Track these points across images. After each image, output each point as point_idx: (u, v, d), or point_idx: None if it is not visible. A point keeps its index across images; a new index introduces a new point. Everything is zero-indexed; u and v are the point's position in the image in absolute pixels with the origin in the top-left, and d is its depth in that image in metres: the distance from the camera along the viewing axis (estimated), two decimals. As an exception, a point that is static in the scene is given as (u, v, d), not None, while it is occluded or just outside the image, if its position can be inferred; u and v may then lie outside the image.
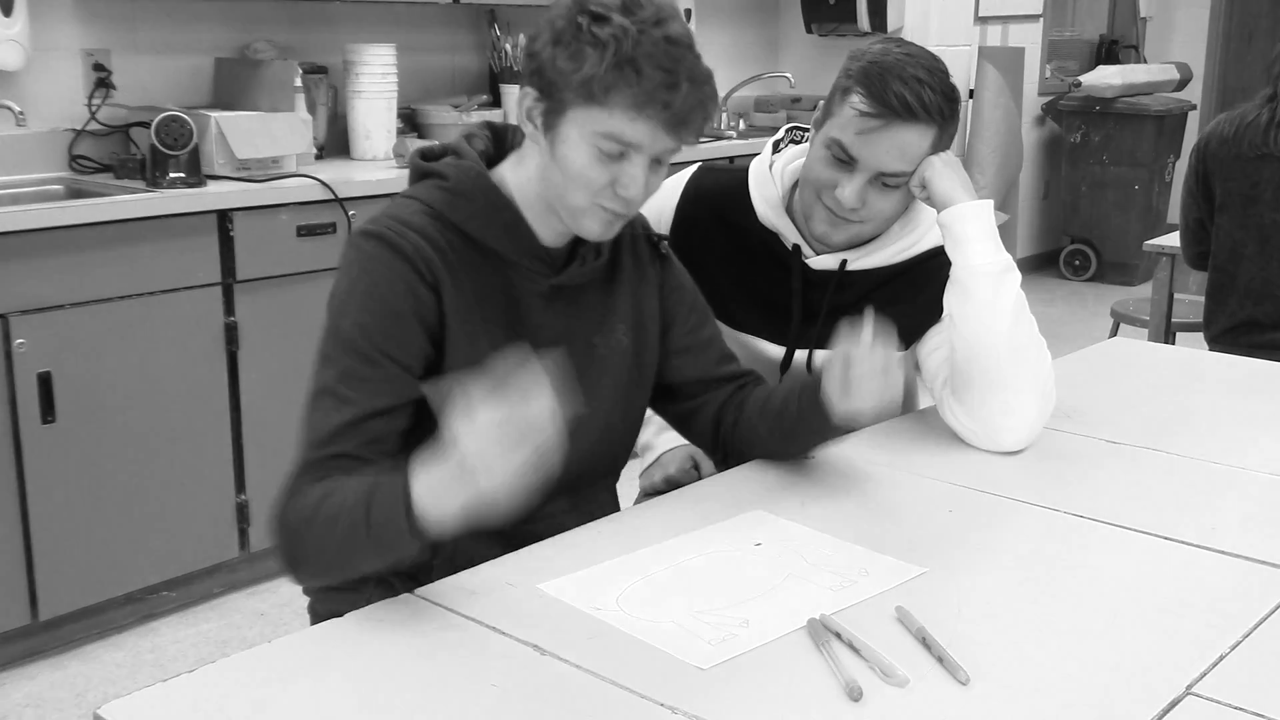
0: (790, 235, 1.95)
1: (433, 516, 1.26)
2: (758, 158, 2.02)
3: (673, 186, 2.04)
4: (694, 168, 2.08)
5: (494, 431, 1.17)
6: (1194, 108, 7.30)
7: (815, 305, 1.95)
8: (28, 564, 2.83)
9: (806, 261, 1.94)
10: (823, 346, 1.96)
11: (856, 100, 1.79)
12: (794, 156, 2.00)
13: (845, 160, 1.81)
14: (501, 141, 1.62)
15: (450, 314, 1.48)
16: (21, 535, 2.81)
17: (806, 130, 1.99)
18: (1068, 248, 7.17)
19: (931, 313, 1.90)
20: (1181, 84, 7.34)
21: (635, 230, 1.70)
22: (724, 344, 1.80)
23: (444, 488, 1.24)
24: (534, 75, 1.47)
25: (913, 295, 1.93)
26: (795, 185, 1.96)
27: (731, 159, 4.16)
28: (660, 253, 1.73)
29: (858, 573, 1.41)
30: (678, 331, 1.73)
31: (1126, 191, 6.89)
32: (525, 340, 1.53)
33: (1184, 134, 7.09)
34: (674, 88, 1.41)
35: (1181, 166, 6.77)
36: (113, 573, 2.98)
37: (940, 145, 1.84)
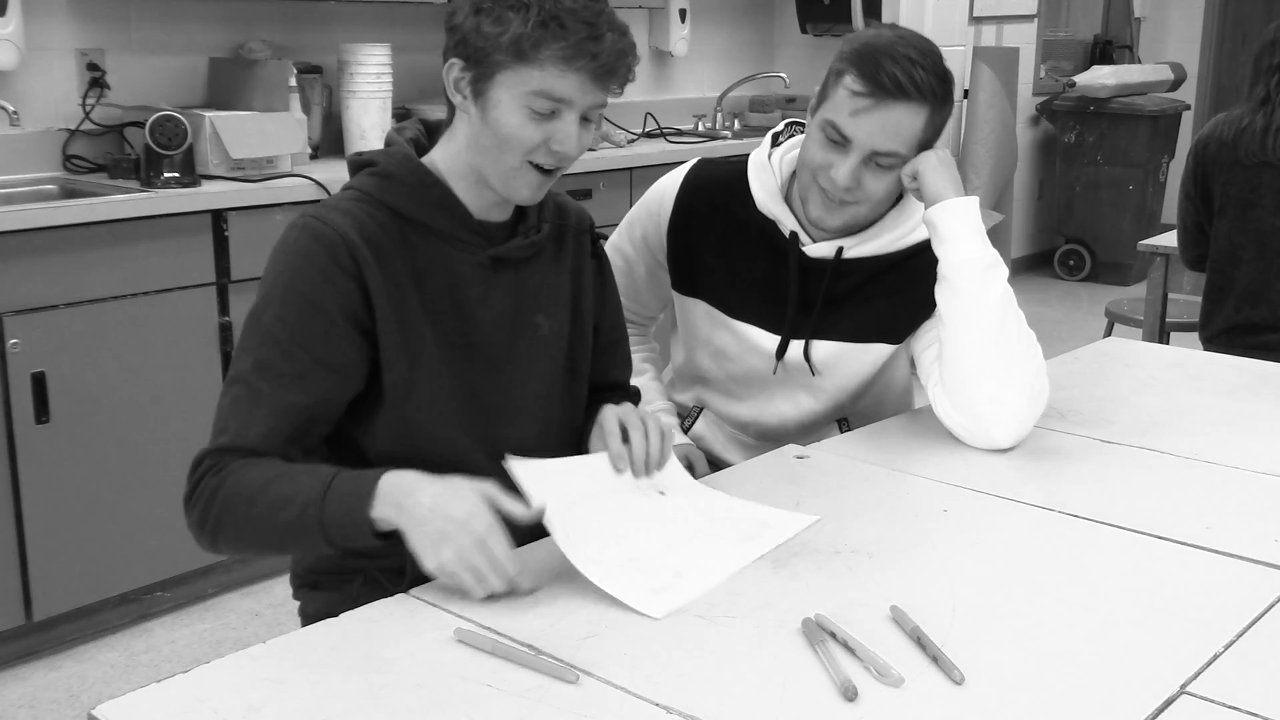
0: (788, 222, 1.95)
1: (386, 518, 1.36)
2: (757, 149, 2.02)
3: (673, 179, 2.06)
4: (693, 161, 2.09)
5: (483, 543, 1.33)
6: (1188, 108, 7.31)
7: (812, 294, 1.96)
8: (22, 564, 2.83)
9: (803, 249, 1.94)
10: (818, 336, 1.96)
11: (849, 81, 1.80)
12: (792, 147, 2.00)
13: (839, 141, 1.82)
14: (435, 134, 1.65)
15: (376, 297, 1.50)
16: (15, 536, 2.81)
17: (805, 124, 1.99)
18: (1062, 248, 7.17)
19: (925, 306, 1.91)
20: (1176, 84, 7.35)
21: (581, 224, 1.73)
22: (626, 354, 1.83)
23: (409, 510, 1.36)
24: (459, 46, 1.51)
25: (908, 288, 1.94)
26: (794, 175, 1.97)
27: (727, 159, 4.16)
28: (596, 250, 1.75)
29: (758, 526, 1.48)
30: (601, 329, 1.75)
31: (1121, 191, 6.90)
32: (469, 314, 1.58)
33: (1178, 134, 7.10)
34: (599, 39, 1.46)
35: (1175, 167, 6.78)
36: (107, 573, 2.98)
37: (933, 126, 1.84)
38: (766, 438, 2.05)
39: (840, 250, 1.93)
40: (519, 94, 1.47)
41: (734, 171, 2.02)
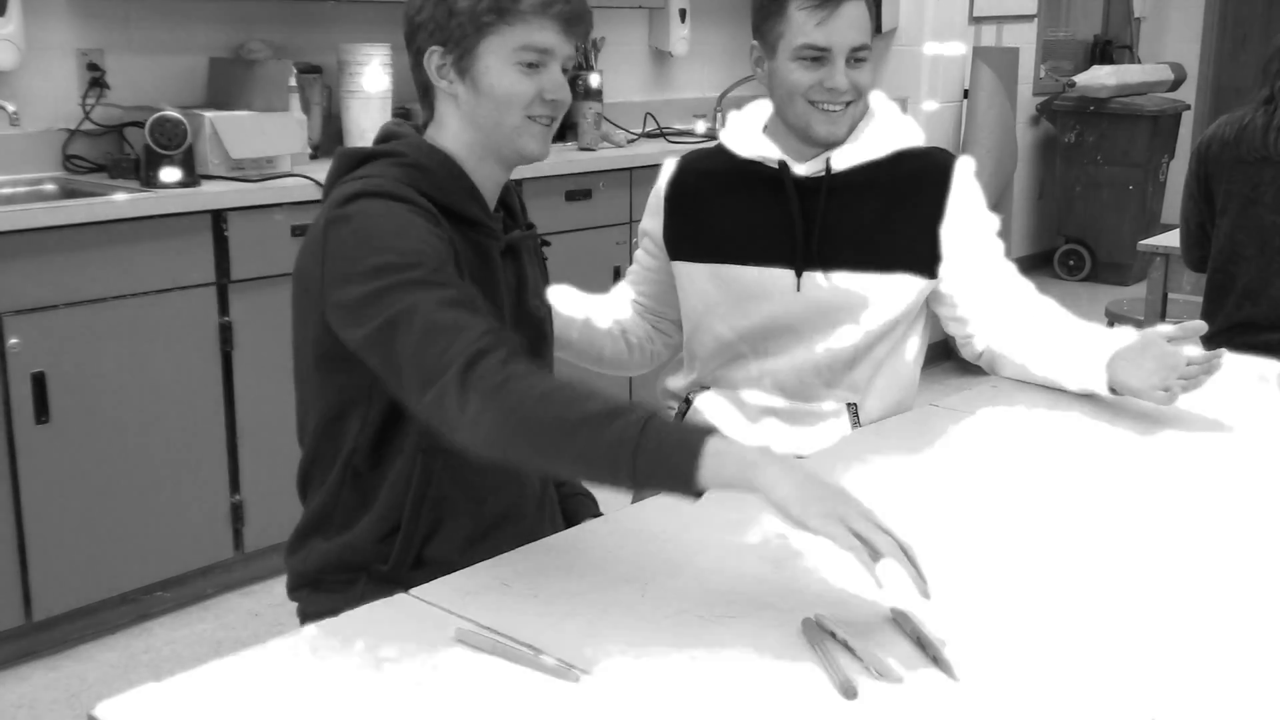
0: (775, 153, 2.06)
1: (720, 474, 1.30)
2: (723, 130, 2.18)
3: (662, 173, 2.19)
4: (675, 156, 2.23)
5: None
6: (1188, 108, 7.31)
7: (814, 215, 2.03)
8: (22, 564, 2.83)
9: (795, 171, 2.04)
10: (831, 265, 2.02)
11: (797, 6, 1.94)
12: (756, 107, 2.15)
13: (819, 56, 1.95)
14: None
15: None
16: (15, 535, 2.81)
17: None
18: (1062, 248, 7.17)
19: (926, 228, 2.03)
20: (1175, 84, 7.35)
21: (533, 227, 1.79)
22: None
23: (743, 458, 1.31)
24: (433, 34, 1.59)
25: (902, 205, 2.03)
26: (767, 121, 2.11)
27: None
28: (542, 254, 1.83)
29: None
30: None
31: (1121, 191, 6.90)
32: (498, 298, 1.63)
33: (1178, 134, 7.10)
34: None
35: (1175, 167, 6.78)
36: (107, 573, 2.98)
37: (874, 6, 2.02)
38: (784, 389, 2.07)
39: (829, 161, 2.03)
40: (506, 53, 1.57)
41: (711, 148, 2.18)
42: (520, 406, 1.35)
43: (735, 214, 2.08)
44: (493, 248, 1.64)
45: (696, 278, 2.10)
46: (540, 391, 1.35)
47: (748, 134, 2.10)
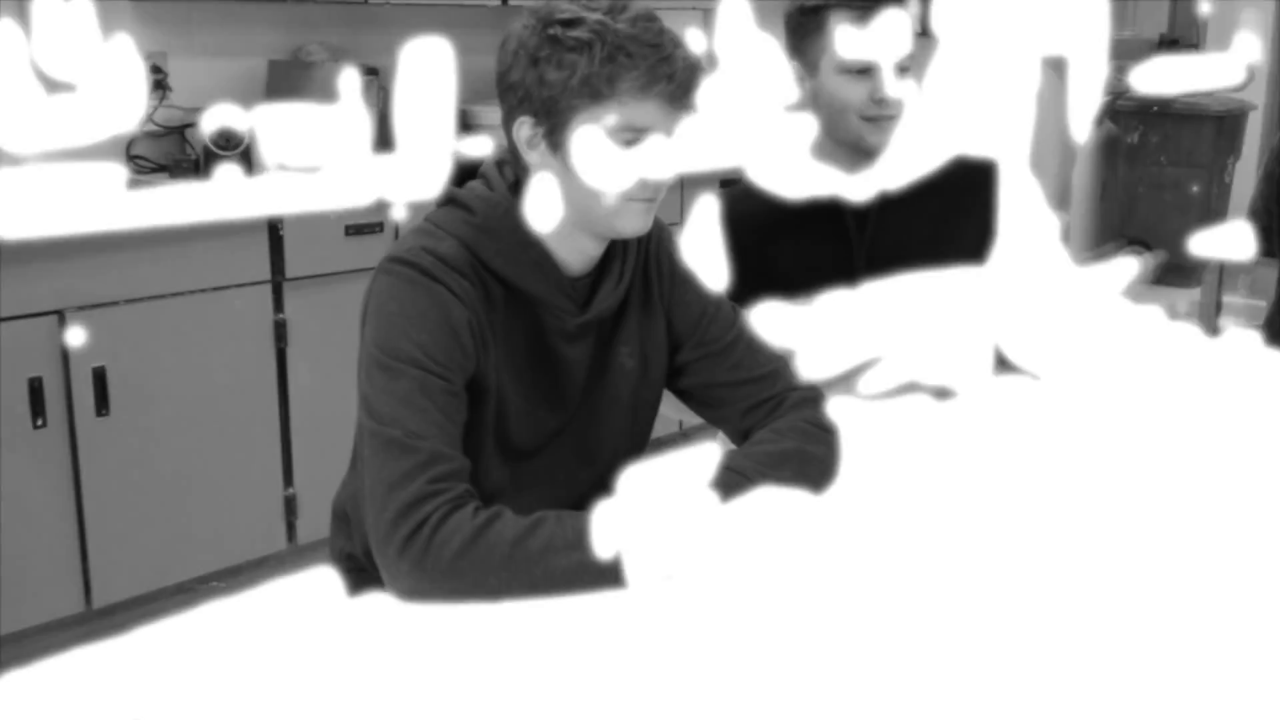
0: (822, 185, 1.95)
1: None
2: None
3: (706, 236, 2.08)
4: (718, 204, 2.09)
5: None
6: (1255, 108, 7.19)
7: (862, 239, 2.00)
8: (82, 553, 2.91)
9: (849, 202, 1.96)
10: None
11: (838, 16, 1.87)
12: (787, 130, 2.02)
13: (864, 69, 1.89)
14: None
15: (481, 346, 1.48)
16: (76, 525, 2.89)
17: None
18: (1124, 249, 7.09)
19: (979, 240, 1.92)
20: (1242, 84, 7.22)
21: (659, 237, 1.66)
22: (750, 351, 1.69)
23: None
24: (523, 103, 1.46)
25: (955, 214, 1.95)
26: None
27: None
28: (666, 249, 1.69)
29: None
30: (688, 345, 1.69)
31: (1184, 193, 6.80)
32: (550, 375, 1.56)
33: (1244, 134, 6.98)
34: (669, 59, 1.41)
35: (1241, 168, 6.67)
36: (163, 563, 3.06)
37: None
38: None
39: (881, 183, 1.91)
40: (602, 133, 1.41)
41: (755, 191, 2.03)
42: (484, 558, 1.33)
43: (793, 253, 1.98)
44: (553, 326, 1.53)
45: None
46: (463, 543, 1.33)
47: (787, 168, 2.02)
